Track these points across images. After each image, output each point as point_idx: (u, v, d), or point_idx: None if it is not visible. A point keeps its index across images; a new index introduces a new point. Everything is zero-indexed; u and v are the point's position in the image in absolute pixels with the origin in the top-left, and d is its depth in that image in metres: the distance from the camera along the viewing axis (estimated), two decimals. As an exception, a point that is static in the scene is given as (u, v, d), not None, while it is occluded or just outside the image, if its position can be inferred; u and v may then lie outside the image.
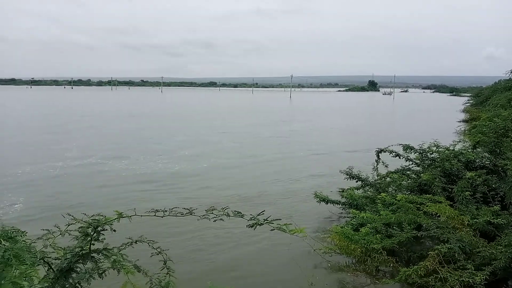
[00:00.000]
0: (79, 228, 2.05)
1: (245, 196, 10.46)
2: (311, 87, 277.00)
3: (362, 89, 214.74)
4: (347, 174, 8.92)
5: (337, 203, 8.46)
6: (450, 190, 6.77)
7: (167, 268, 2.21)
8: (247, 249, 7.12)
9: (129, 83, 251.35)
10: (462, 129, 23.30)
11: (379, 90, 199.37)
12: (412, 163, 8.56)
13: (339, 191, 9.23)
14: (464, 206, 6.15)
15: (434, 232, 5.46)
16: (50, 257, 2.03)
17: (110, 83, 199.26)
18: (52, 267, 2.00)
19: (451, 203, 6.23)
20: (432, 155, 8.21)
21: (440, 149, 8.18)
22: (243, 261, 6.75)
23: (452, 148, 8.12)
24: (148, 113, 40.78)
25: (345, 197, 8.33)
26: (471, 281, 4.57)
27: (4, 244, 1.75)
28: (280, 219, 1.96)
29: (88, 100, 71.82)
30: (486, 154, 7.71)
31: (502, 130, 7.68)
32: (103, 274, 2.04)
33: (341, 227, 6.56)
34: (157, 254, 2.22)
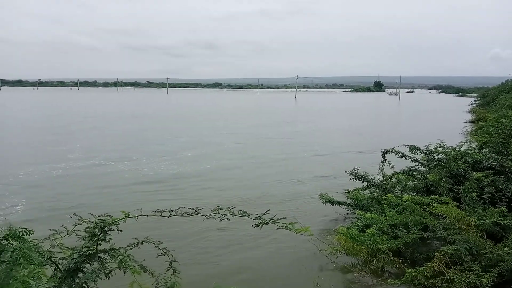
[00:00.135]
0: (86, 228, 2.07)
1: (248, 197, 10.43)
2: (317, 88, 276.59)
3: (368, 89, 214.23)
4: (352, 175, 8.90)
5: (342, 204, 8.42)
6: (456, 191, 6.74)
7: (172, 269, 2.22)
8: (251, 251, 7.10)
9: (135, 84, 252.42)
10: (469, 129, 23.16)
11: (384, 91, 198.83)
12: (418, 164, 8.52)
13: (345, 192, 9.21)
14: (471, 207, 6.11)
15: (441, 233, 5.43)
16: (57, 257, 2.04)
17: (116, 84, 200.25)
18: (59, 267, 2.02)
19: (458, 204, 6.19)
20: (438, 156, 8.17)
21: (446, 150, 8.14)
22: (247, 262, 6.73)
23: (458, 149, 8.07)
24: (152, 114, 40.92)
25: (351, 198, 8.30)
26: (478, 283, 4.54)
27: (12, 244, 1.76)
28: (285, 218, 1.96)
29: (93, 101, 72.17)
30: (493, 155, 7.66)
31: (509, 131, 7.64)
32: (109, 274, 2.05)
33: (347, 228, 6.55)
34: (163, 255, 2.23)
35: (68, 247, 2.11)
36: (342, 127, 30.69)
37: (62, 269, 1.99)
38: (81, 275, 2.00)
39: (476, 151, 7.93)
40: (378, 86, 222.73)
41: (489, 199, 6.35)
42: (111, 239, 2.07)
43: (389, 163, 8.91)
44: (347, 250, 6.28)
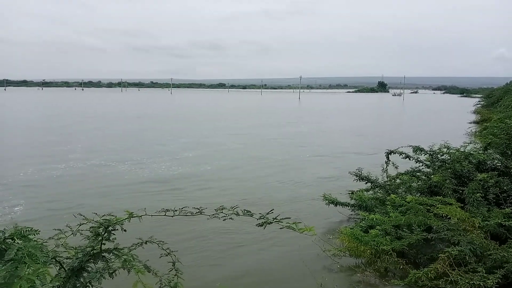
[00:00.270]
0: (90, 228, 2.08)
1: (250, 198, 10.38)
2: (320, 88, 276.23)
3: (372, 90, 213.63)
4: (356, 176, 8.89)
5: (346, 205, 8.41)
6: (460, 192, 6.72)
7: (175, 270, 2.22)
8: (254, 253, 7.08)
9: (139, 84, 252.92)
10: (473, 130, 23.05)
11: (388, 91, 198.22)
12: (422, 165, 8.50)
13: (349, 193, 9.20)
14: (475, 208, 6.09)
15: (445, 234, 5.41)
16: (61, 256, 2.06)
17: (120, 84, 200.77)
18: (64, 266, 2.03)
19: (462, 205, 6.17)
20: (442, 157, 8.15)
21: (450, 151, 8.11)
22: (251, 262, 6.73)
23: (463, 150, 8.04)
24: (155, 114, 40.96)
25: (355, 199, 8.29)
26: (482, 284, 4.53)
27: (17, 243, 1.77)
28: (289, 218, 1.97)
29: (97, 101, 72.39)
30: (498, 156, 7.62)
31: (514, 132, 7.60)
32: (113, 273, 2.06)
33: (351, 229, 6.53)
34: (166, 255, 2.23)
35: (72, 247, 2.12)
36: (346, 128, 30.63)
37: (66, 269, 2.00)
38: (85, 274, 2.01)
39: (480, 152, 7.90)
40: (382, 87, 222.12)
41: (494, 200, 6.33)
42: (115, 238, 2.08)
43: (393, 163, 8.89)
44: (351, 251, 6.26)
